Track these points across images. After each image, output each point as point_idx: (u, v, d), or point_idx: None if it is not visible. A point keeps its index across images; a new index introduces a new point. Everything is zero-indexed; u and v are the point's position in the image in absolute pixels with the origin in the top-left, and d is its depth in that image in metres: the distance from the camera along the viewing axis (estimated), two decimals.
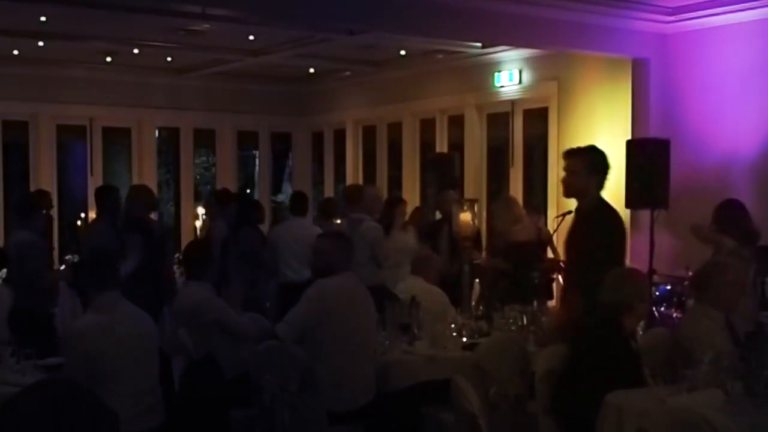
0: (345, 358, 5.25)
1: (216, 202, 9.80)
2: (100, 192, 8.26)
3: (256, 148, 15.56)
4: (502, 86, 11.89)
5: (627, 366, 4.68)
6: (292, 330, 5.27)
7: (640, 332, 5.72)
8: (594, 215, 5.21)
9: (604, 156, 5.36)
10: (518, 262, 8.05)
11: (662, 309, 8.58)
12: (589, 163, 5.23)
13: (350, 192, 8.62)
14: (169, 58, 12.74)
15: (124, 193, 8.48)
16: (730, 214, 7.37)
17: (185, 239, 12.93)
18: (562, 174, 5.40)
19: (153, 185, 13.46)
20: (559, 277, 10.14)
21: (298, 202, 9.13)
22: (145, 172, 13.93)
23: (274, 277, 8.71)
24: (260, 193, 15.17)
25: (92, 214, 10.24)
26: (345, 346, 5.25)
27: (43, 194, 9.53)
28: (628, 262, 9.44)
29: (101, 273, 4.83)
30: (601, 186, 5.27)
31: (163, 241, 8.12)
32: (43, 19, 9.91)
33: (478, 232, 8.92)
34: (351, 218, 8.01)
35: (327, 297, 5.34)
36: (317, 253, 5.55)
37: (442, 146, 12.78)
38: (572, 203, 10.89)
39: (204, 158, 16.24)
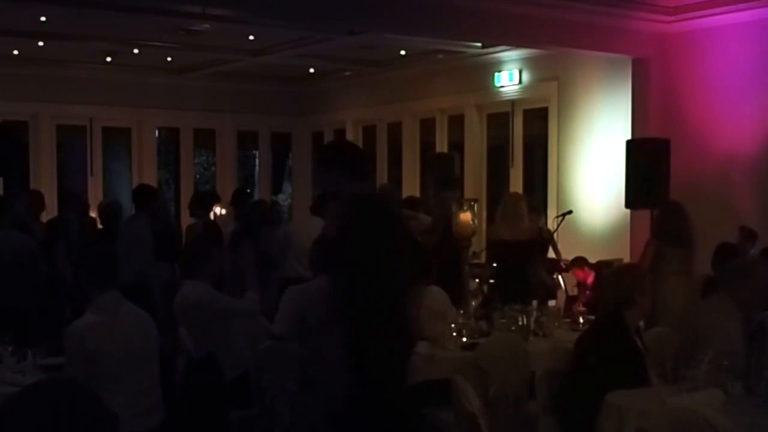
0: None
1: (199, 203, 9.84)
2: None
3: (256, 148, 15.56)
4: (502, 86, 11.89)
5: (630, 362, 4.67)
6: (285, 326, 5.36)
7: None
8: (348, 213, 4.54)
9: (337, 148, 5.08)
10: (507, 261, 8.00)
11: None
12: (324, 159, 4.79)
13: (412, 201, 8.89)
14: (169, 58, 12.74)
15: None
16: (661, 218, 7.48)
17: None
18: None
19: (153, 185, 13.48)
20: (560, 277, 10.16)
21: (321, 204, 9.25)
22: (145, 172, 13.93)
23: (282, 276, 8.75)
24: (260, 193, 15.16)
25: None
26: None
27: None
28: (626, 261, 9.50)
29: (102, 273, 4.83)
30: (346, 177, 4.53)
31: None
32: (43, 19, 9.91)
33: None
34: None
35: (299, 295, 5.51)
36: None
37: (442, 146, 12.78)
38: (572, 203, 10.93)
39: (204, 158, 16.23)
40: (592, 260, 9.73)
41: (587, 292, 9.53)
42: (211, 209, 9.93)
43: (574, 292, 9.92)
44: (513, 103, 11.85)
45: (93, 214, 10.25)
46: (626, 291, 4.83)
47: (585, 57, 10.54)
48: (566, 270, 9.98)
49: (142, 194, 8.53)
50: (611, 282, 4.96)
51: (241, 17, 9.68)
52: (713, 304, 5.10)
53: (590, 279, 9.60)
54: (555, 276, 10.16)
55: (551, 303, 8.24)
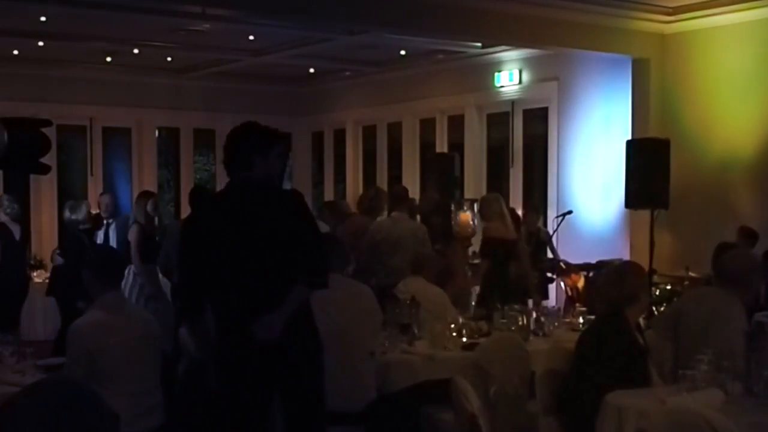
0: (341, 357, 5.23)
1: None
2: None
3: None
4: (502, 86, 11.89)
5: (633, 359, 4.66)
6: None
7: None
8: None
9: (271, 132, 4.72)
10: (493, 259, 8.11)
11: (662, 309, 8.57)
12: (263, 143, 4.57)
13: (398, 192, 8.88)
14: (169, 58, 12.74)
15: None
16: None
17: None
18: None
19: (153, 185, 13.49)
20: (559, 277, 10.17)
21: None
22: (145, 172, 13.94)
23: None
24: None
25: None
26: (339, 345, 5.23)
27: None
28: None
29: (107, 273, 4.83)
30: (281, 160, 4.68)
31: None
32: (43, 19, 9.91)
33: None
34: (396, 217, 8.24)
35: None
36: None
37: (442, 146, 12.79)
38: (572, 203, 10.92)
39: (204, 158, 16.23)
40: (592, 260, 9.74)
41: (577, 303, 9.53)
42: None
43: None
44: (513, 103, 11.85)
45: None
46: (631, 288, 4.83)
47: (585, 57, 10.55)
48: (565, 271, 9.99)
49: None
50: (614, 280, 4.94)
51: (241, 17, 9.69)
52: (734, 307, 5.06)
53: (580, 282, 9.61)
54: (554, 276, 10.17)
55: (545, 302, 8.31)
